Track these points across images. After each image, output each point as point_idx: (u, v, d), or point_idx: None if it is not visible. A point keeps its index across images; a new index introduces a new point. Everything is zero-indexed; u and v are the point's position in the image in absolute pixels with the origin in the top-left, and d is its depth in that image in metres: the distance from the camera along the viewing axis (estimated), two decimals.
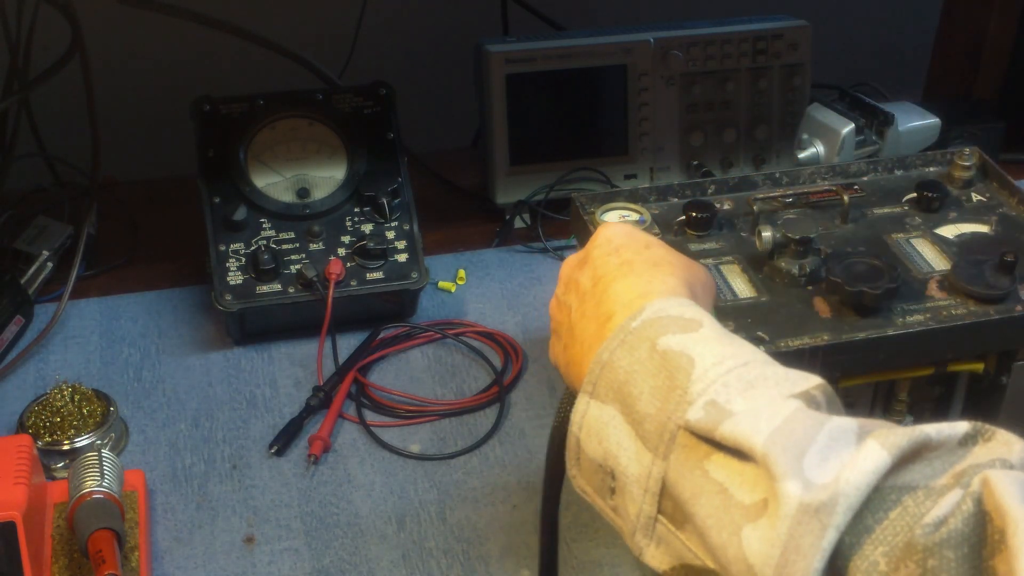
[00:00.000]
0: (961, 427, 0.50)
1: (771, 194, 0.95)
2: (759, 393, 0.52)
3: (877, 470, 0.47)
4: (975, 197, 0.96)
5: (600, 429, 0.56)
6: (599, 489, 0.58)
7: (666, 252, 0.65)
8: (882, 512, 0.47)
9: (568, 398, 0.70)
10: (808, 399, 0.51)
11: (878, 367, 0.80)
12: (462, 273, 1.26)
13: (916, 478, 0.48)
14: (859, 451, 0.48)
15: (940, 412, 0.89)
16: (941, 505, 0.46)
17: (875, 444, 0.48)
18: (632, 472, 0.55)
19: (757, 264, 0.86)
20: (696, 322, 0.57)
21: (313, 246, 1.13)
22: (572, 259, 0.70)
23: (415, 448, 1.04)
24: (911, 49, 1.61)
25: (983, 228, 0.92)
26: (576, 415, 0.58)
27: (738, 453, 0.50)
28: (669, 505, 0.54)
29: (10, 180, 1.30)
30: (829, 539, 0.46)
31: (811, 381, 0.53)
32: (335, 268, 1.10)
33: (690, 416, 0.52)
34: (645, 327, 0.57)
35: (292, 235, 1.13)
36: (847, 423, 0.50)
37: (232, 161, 1.14)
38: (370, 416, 1.07)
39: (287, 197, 1.15)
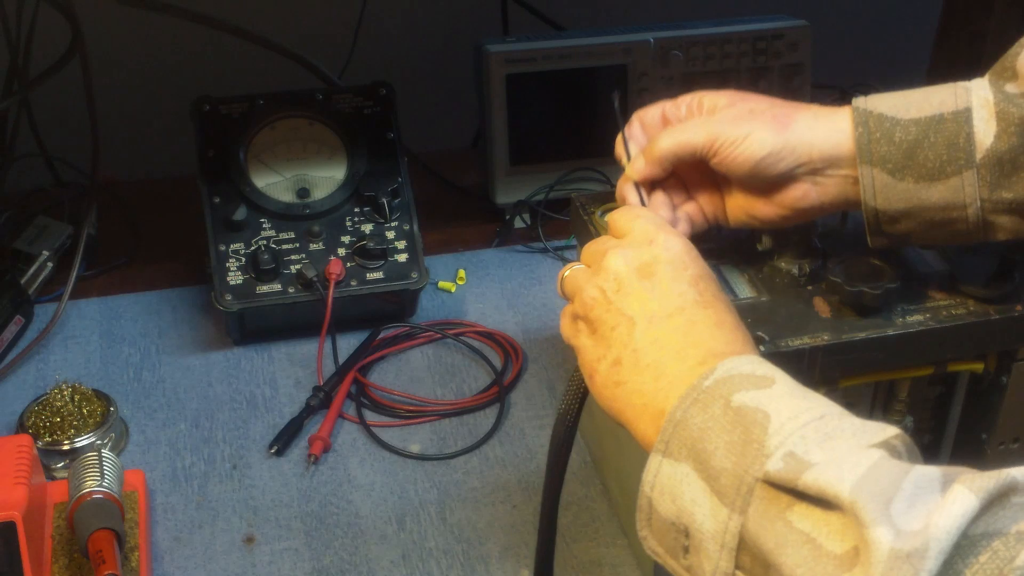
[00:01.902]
0: None
1: None
2: (838, 444, 0.52)
3: (966, 514, 0.47)
4: None
5: (674, 487, 0.57)
6: (671, 549, 0.58)
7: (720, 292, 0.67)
8: (972, 557, 0.47)
9: (573, 392, 0.71)
10: (889, 448, 0.52)
11: (878, 367, 0.80)
12: (462, 273, 1.26)
13: (1005, 522, 0.48)
14: (947, 496, 0.48)
15: (940, 412, 0.89)
16: None
17: (963, 489, 0.48)
18: (707, 528, 0.55)
19: (757, 264, 0.86)
20: (769, 379, 0.57)
21: (313, 246, 1.13)
22: (619, 250, 0.67)
23: (415, 448, 1.04)
24: (911, 49, 1.61)
25: None
26: (648, 475, 0.58)
27: (822, 502, 0.50)
28: (747, 559, 0.54)
29: (10, 180, 1.30)
30: None
31: (888, 431, 0.53)
32: (335, 268, 1.10)
33: (769, 467, 0.52)
34: (718, 385, 0.57)
35: (292, 235, 1.13)
36: (931, 471, 0.50)
37: (232, 161, 1.14)
38: (370, 416, 1.07)
39: (287, 197, 1.15)
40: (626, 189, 0.79)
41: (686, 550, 0.56)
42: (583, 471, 1.01)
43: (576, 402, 0.72)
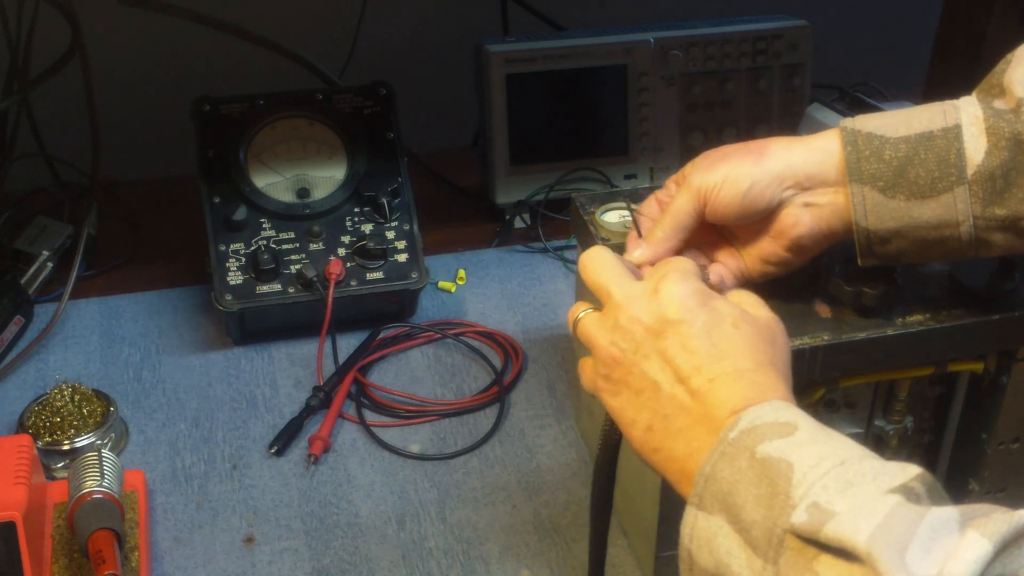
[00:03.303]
0: None
1: None
2: (859, 491, 0.53)
3: (979, 559, 0.47)
4: None
5: (710, 539, 0.57)
6: None
7: (752, 330, 0.65)
8: None
9: (611, 425, 0.70)
10: (907, 492, 0.52)
11: (878, 367, 0.80)
12: (462, 273, 1.26)
13: (1019, 565, 0.48)
14: (961, 541, 0.48)
15: (940, 412, 0.89)
16: None
17: (975, 534, 0.48)
18: None
19: None
20: (791, 425, 0.58)
21: (313, 246, 1.13)
22: (629, 307, 0.66)
23: (415, 448, 1.04)
24: (911, 49, 1.61)
25: None
26: (685, 527, 0.59)
27: (844, 553, 0.51)
28: None
29: (10, 180, 1.30)
30: None
31: (909, 472, 0.53)
32: (335, 268, 1.10)
33: (794, 519, 0.53)
34: (743, 436, 0.58)
35: (292, 235, 1.13)
36: (947, 513, 0.50)
37: (232, 161, 1.14)
38: (370, 416, 1.07)
39: (287, 197, 1.15)
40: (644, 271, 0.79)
41: None
42: (583, 471, 1.01)
43: (611, 452, 0.73)
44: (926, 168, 0.71)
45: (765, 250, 0.78)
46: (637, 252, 0.78)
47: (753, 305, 0.68)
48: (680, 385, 0.63)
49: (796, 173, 0.74)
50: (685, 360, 0.63)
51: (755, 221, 0.76)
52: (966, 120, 0.71)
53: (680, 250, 0.79)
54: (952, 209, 0.71)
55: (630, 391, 0.65)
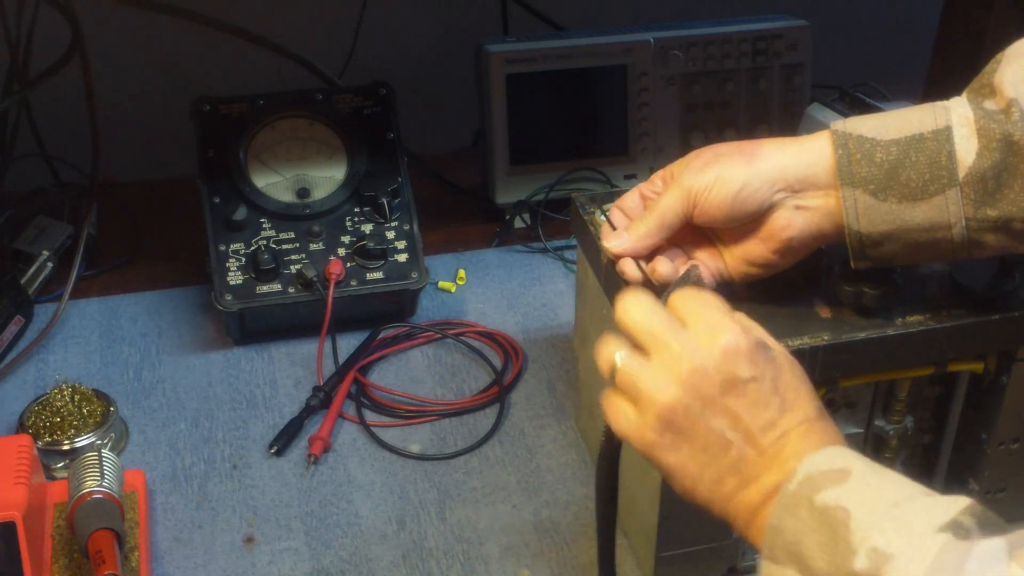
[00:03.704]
0: None
1: None
2: (912, 531, 0.54)
3: None
4: None
5: None
6: None
7: (800, 370, 0.65)
8: None
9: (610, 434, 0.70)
10: (956, 528, 0.53)
11: (878, 367, 0.80)
12: (462, 273, 1.26)
13: None
14: (1008, 572, 0.50)
15: (940, 412, 0.89)
16: None
17: (1018, 568, 0.50)
18: None
19: None
20: (845, 471, 0.59)
21: (313, 246, 1.13)
22: (702, 359, 0.62)
23: (415, 448, 1.04)
24: (911, 49, 1.61)
25: None
26: None
27: None
28: None
29: (10, 180, 1.30)
30: None
31: (959, 505, 0.54)
32: (335, 268, 1.10)
33: (856, 567, 0.54)
34: (801, 487, 0.59)
35: (292, 235, 1.13)
36: (995, 544, 0.51)
37: (232, 161, 1.14)
38: (370, 416, 1.07)
39: (287, 197, 1.15)
40: (623, 263, 0.79)
41: None
42: (583, 471, 1.01)
43: (613, 453, 0.73)
44: (917, 171, 0.71)
45: (751, 252, 0.77)
46: (615, 242, 0.78)
47: (764, 332, 0.66)
48: (752, 442, 0.62)
49: (787, 176, 0.74)
50: (758, 416, 0.62)
51: (743, 223, 0.76)
52: (956, 121, 0.71)
53: (662, 248, 0.79)
54: (944, 211, 0.71)
55: (693, 447, 0.63)
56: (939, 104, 0.73)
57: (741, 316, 0.66)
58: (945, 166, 0.71)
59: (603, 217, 0.91)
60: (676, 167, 0.78)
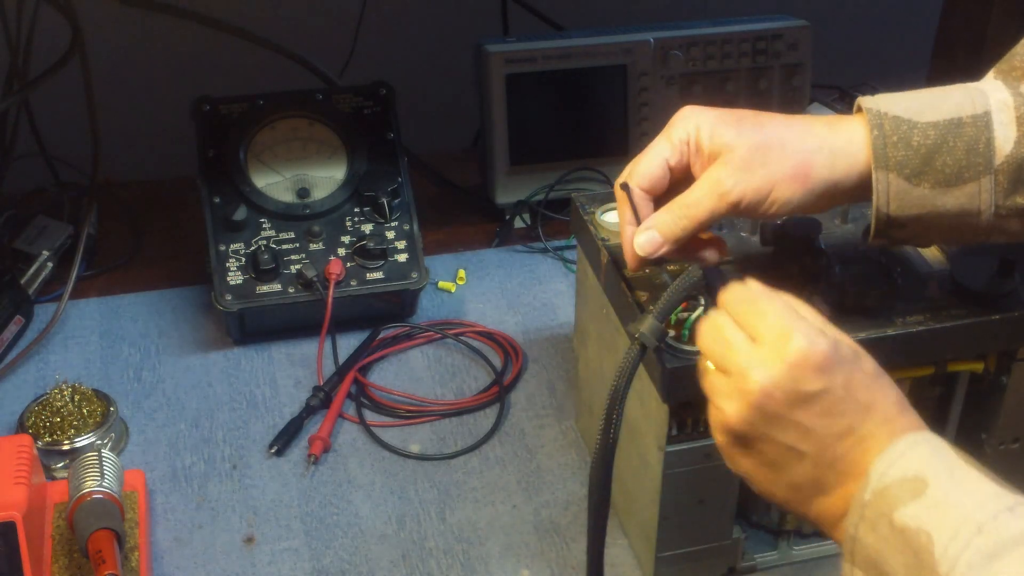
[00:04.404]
0: None
1: None
2: (1002, 569, 0.52)
3: None
4: None
5: None
6: None
7: (873, 364, 0.63)
8: None
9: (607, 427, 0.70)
10: None
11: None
12: (462, 273, 1.26)
13: None
14: None
15: (940, 412, 0.89)
16: None
17: None
18: None
19: (757, 264, 0.86)
20: (921, 481, 0.57)
21: (313, 246, 1.13)
22: (764, 375, 0.61)
23: (415, 448, 1.04)
24: (911, 49, 1.61)
25: None
26: None
27: None
28: None
29: (10, 180, 1.30)
30: None
31: None
32: (335, 268, 1.10)
33: None
34: (876, 500, 0.58)
35: (292, 235, 1.13)
36: None
37: (232, 161, 1.14)
38: (370, 416, 1.07)
39: (287, 197, 1.15)
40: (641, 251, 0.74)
41: None
42: (583, 471, 1.01)
43: (607, 455, 0.73)
44: (954, 157, 0.70)
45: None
46: (647, 242, 0.72)
47: (828, 325, 0.64)
48: (828, 451, 0.61)
49: (837, 193, 0.72)
50: (832, 425, 0.61)
51: None
52: (995, 106, 0.70)
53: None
54: (976, 198, 0.70)
55: (763, 459, 0.63)
56: (973, 86, 0.72)
57: (808, 312, 0.63)
58: (982, 153, 0.69)
59: (603, 217, 0.91)
60: (707, 140, 0.72)
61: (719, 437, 0.65)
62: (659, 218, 0.72)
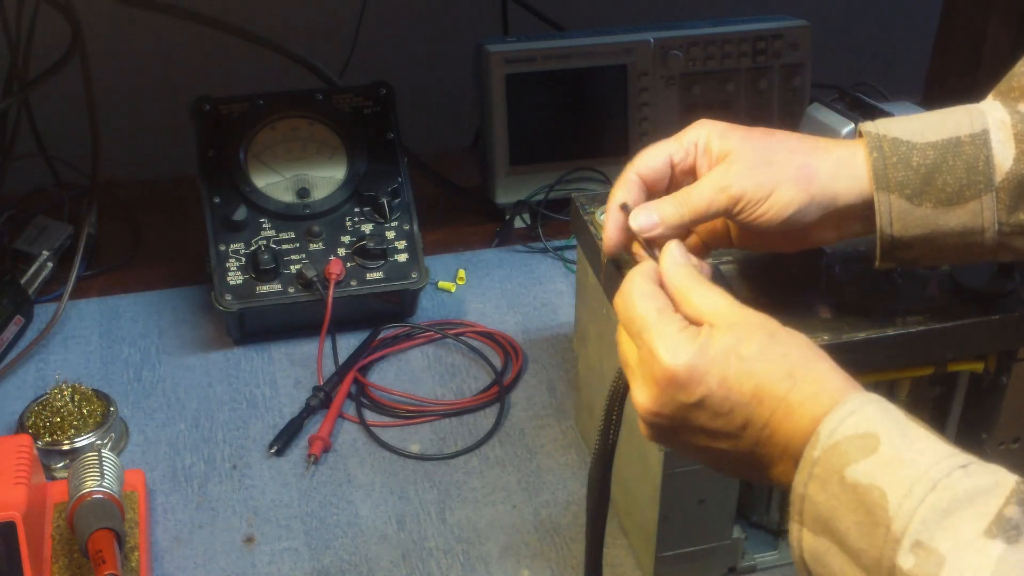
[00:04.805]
0: None
1: None
2: (958, 524, 0.52)
3: None
4: None
5: (820, 556, 0.58)
6: None
7: (756, 347, 0.62)
8: None
9: (616, 391, 0.70)
10: (1005, 529, 0.52)
11: (878, 367, 0.80)
12: (462, 273, 1.26)
13: None
14: None
15: (940, 412, 0.89)
16: None
17: None
18: None
19: (757, 264, 0.86)
20: (872, 438, 0.57)
21: (313, 246, 1.13)
22: (651, 401, 0.63)
23: (415, 448, 1.04)
24: (911, 49, 1.61)
25: None
26: (793, 539, 0.60)
27: None
28: None
29: (10, 180, 1.30)
30: None
31: (1003, 490, 0.53)
32: (335, 268, 1.10)
33: (901, 563, 0.53)
34: (827, 456, 0.58)
35: (292, 235, 1.13)
36: None
37: (232, 161, 1.14)
38: (370, 416, 1.07)
39: (287, 197, 1.15)
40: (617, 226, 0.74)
41: None
42: (583, 471, 1.01)
43: (606, 456, 0.73)
44: (954, 175, 0.70)
45: (769, 240, 0.75)
46: (645, 222, 0.72)
47: (718, 308, 0.64)
48: (741, 442, 0.62)
49: (839, 204, 0.72)
50: (728, 422, 0.61)
51: (782, 232, 0.73)
52: (993, 125, 0.70)
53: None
54: (979, 216, 0.70)
55: (694, 452, 0.65)
56: (973, 107, 0.72)
57: (681, 293, 0.64)
58: (982, 171, 0.70)
59: (603, 217, 0.91)
60: (715, 144, 0.73)
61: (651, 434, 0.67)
62: (659, 202, 0.73)
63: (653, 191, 0.74)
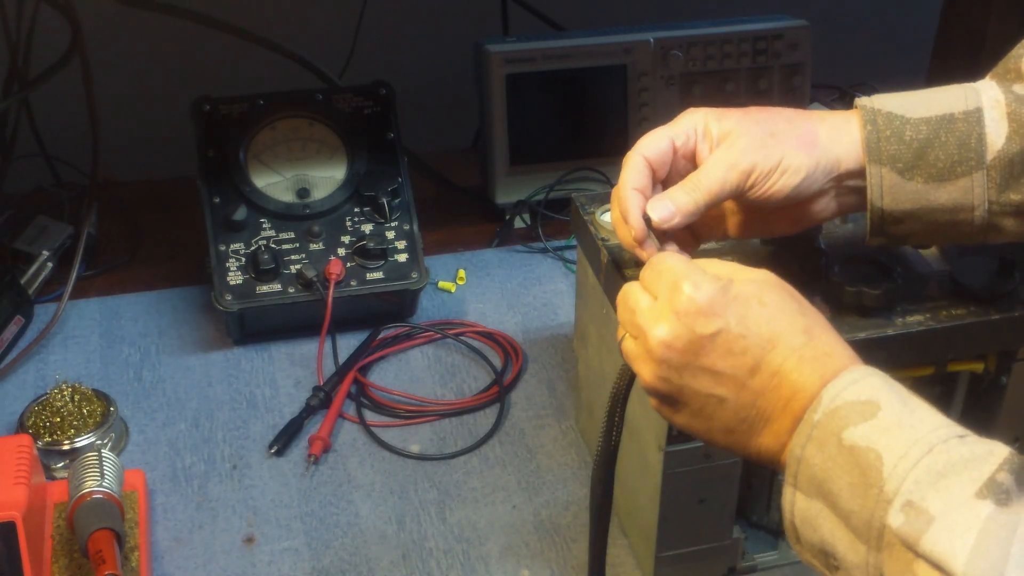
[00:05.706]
0: None
1: None
2: (950, 487, 0.53)
3: None
4: None
5: (811, 519, 0.58)
6: (824, 564, 0.59)
7: (776, 296, 0.64)
8: None
9: (621, 384, 0.70)
10: (996, 492, 0.52)
11: (878, 367, 0.80)
12: (462, 273, 1.26)
13: None
14: None
15: (940, 412, 0.88)
16: None
17: None
18: (851, 560, 0.56)
19: (758, 265, 0.86)
20: (873, 404, 0.57)
21: (313, 246, 1.13)
22: (662, 329, 0.63)
23: (415, 448, 1.04)
24: (911, 49, 1.61)
25: None
26: (785, 503, 0.60)
27: (941, 569, 0.51)
28: None
29: (10, 180, 1.30)
30: None
31: (997, 457, 0.53)
32: (335, 268, 1.10)
33: (891, 521, 0.54)
34: (827, 420, 0.58)
35: (292, 235, 1.13)
36: None
37: (232, 161, 1.14)
38: (370, 416, 1.07)
39: (287, 197, 1.15)
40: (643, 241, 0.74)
41: (837, 568, 0.58)
42: (583, 471, 1.01)
43: (610, 456, 0.73)
44: (946, 151, 0.71)
45: (772, 225, 0.76)
46: (662, 212, 0.71)
47: (738, 269, 0.66)
48: (745, 390, 0.62)
49: (840, 168, 0.73)
50: (738, 363, 0.62)
51: (789, 205, 0.74)
52: (987, 103, 0.71)
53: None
54: (969, 193, 0.71)
55: (690, 410, 0.64)
56: (968, 85, 0.73)
57: (701, 263, 0.66)
58: (974, 148, 0.70)
59: (602, 217, 0.91)
60: (714, 127, 0.73)
61: (650, 401, 0.67)
62: (671, 192, 0.73)
63: (657, 175, 0.74)
